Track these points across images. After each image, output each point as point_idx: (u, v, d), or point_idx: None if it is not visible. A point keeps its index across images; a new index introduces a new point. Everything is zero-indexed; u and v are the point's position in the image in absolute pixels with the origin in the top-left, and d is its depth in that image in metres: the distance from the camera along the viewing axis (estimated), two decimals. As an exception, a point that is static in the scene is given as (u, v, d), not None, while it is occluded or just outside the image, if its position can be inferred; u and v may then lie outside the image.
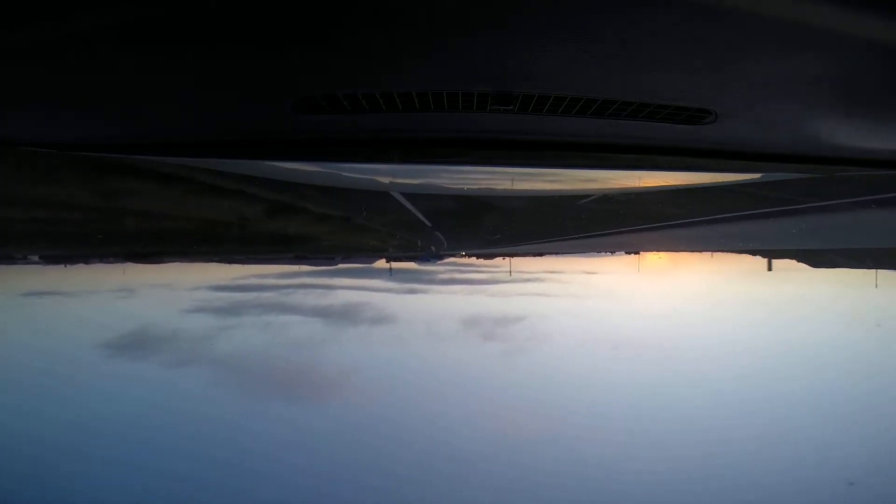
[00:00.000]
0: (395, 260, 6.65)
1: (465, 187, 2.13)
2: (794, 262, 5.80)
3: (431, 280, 7.21)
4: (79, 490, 4.96)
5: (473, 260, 7.14)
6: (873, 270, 5.21)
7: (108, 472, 5.23)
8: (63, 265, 4.97)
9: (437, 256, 6.41)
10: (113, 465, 5.30)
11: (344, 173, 1.82)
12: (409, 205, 2.73)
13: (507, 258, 6.97)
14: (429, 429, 6.15)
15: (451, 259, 6.98)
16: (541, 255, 6.75)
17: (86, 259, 4.81)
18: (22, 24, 0.73)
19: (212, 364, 6.51)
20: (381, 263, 6.76)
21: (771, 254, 5.78)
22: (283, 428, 6.08)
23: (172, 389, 6.27)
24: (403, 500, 5.48)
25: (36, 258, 4.36)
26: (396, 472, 5.63)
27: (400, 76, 0.99)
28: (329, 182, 2.08)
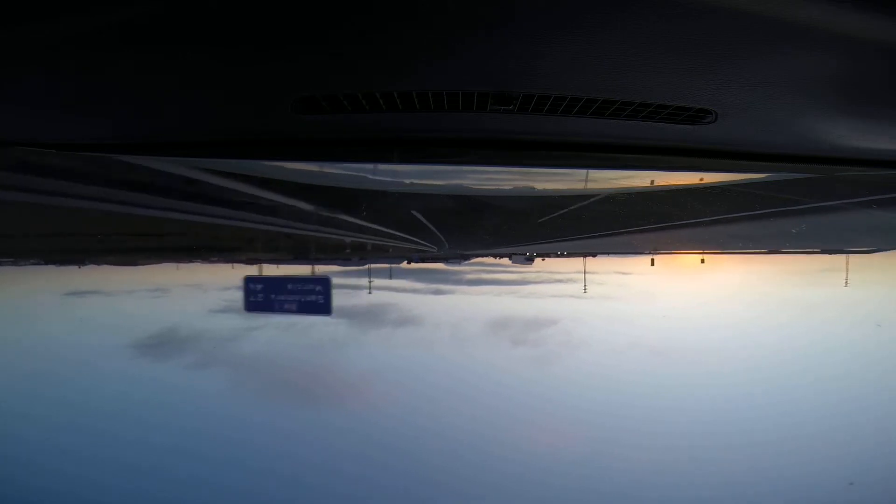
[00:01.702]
0: (392, 261, 6.60)
1: (466, 187, 2.13)
2: (793, 261, 5.79)
3: (459, 280, 7.08)
4: (82, 491, 4.96)
5: (504, 260, 7.00)
6: (873, 270, 5.20)
7: (125, 472, 5.22)
8: (66, 266, 4.96)
9: (438, 257, 6.37)
10: (134, 467, 5.30)
11: (344, 173, 1.82)
12: (408, 204, 2.73)
13: (541, 258, 6.84)
14: (457, 434, 6.07)
15: (478, 259, 6.83)
16: (541, 255, 6.73)
17: (89, 260, 4.80)
18: (22, 24, 0.73)
19: (234, 366, 6.46)
20: (404, 264, 6.64)
21: (772, 254, 5.78)
22: (309, 430, 6.04)
23: (198, 391, 6.24)
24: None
25: (36, 259, 4.36)
26: (423, 476, 5.59)
27: (400, 76, 0.99)
28: (329, 182, 2.08)
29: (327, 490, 5.49)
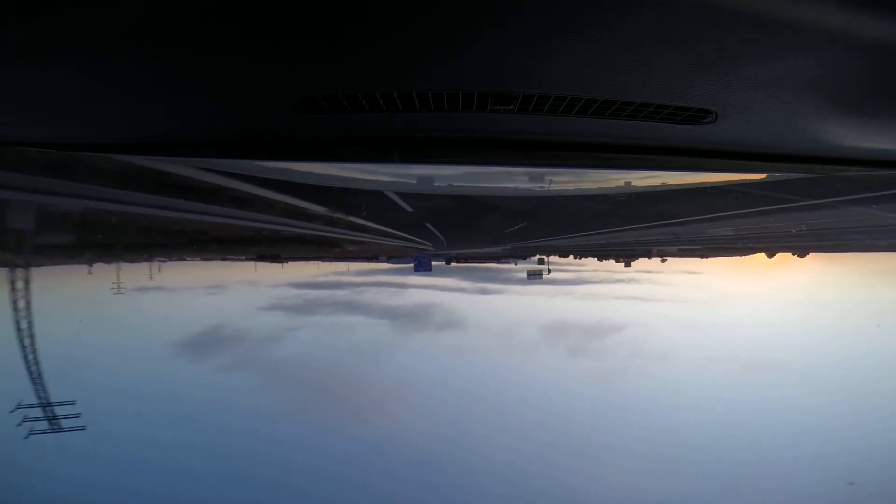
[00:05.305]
0: (390, 261, 6.55)
1: (466, 187, 2.13)
2: (793, 261, 5.78)
3: (507, 279, 6.87)
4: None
5: (555, 258, 6.78)
6: (873, 270, 5.20)
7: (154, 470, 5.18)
8: (67, 265, 4.96)
9: (435, 258, 6.33)
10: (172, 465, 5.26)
11: (344, 173, 1.82)
12: (409, 205, 2.74)
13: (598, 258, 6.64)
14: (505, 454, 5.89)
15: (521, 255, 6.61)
16: (536, 254, 6.70)
17: (88, 259, 4.80)
18: (22, 25, 0.73)
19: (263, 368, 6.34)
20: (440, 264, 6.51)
21: (770, 253, 5.77)
22: (351, 439, 5.93)
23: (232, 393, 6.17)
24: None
25: (36, 258, 4.36)
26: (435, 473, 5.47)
27: (401, 77, 0.99)
28: (329, 182, 2.08)
29: (355, 490, 5.44)
